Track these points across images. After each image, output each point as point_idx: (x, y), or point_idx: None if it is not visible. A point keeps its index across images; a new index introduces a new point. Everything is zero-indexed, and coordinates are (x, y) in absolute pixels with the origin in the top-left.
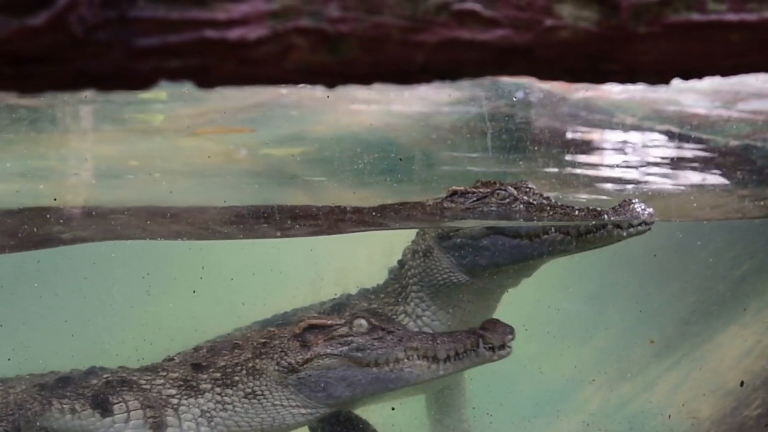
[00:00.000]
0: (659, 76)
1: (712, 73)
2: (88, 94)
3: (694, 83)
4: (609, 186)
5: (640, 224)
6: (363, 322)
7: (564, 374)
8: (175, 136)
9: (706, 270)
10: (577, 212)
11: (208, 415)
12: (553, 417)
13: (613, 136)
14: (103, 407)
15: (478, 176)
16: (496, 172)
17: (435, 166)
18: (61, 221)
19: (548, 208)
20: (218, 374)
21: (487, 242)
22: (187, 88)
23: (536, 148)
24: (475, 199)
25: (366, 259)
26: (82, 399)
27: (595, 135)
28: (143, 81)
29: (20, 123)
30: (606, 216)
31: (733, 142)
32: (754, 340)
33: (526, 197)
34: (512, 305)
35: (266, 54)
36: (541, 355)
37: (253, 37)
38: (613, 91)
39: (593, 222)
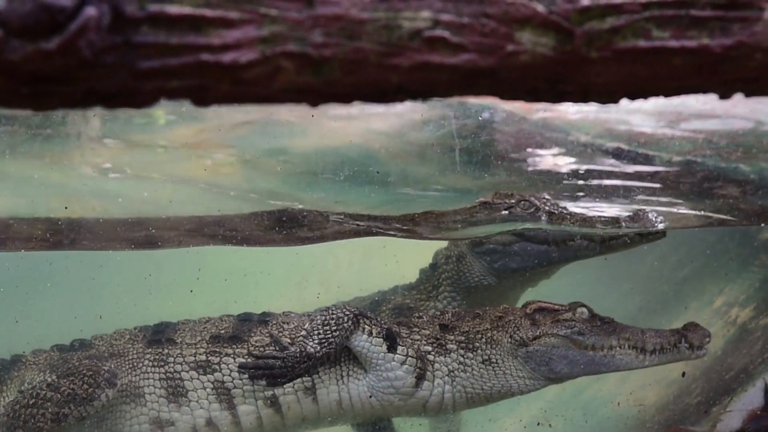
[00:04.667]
0: (610, 97)
1: (657, 94)
2: (96, 111)
3: (641, 104)
4: (567, 195)
5: (657, 232)
6: (585, 310)
7: None
8: (174, 152)
9: (651, 272)
10: (594, 220)
11: (452, 374)
12: (514, 403)
13: (569, 153)
14: (391, 342)
15: (447, 188)
16: (464, 186)
17: (408, 179)
18: (71, 229)
19: (568, 216)
20: (462, 338)
21: (517, 248)
22: (185, 107)
23: (500, 162)
24: (503, 209)
25: (347, 261)
26: (379, 327)
27: (553, 151)
28: (146, 99)
29: (35, 139)
30: (623, 224)
31: (676, 158)
32: None
33: (546, 207)
34: None
35: (257, 75)
36: None
37: (244, 60)
38: (569, 111)
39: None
